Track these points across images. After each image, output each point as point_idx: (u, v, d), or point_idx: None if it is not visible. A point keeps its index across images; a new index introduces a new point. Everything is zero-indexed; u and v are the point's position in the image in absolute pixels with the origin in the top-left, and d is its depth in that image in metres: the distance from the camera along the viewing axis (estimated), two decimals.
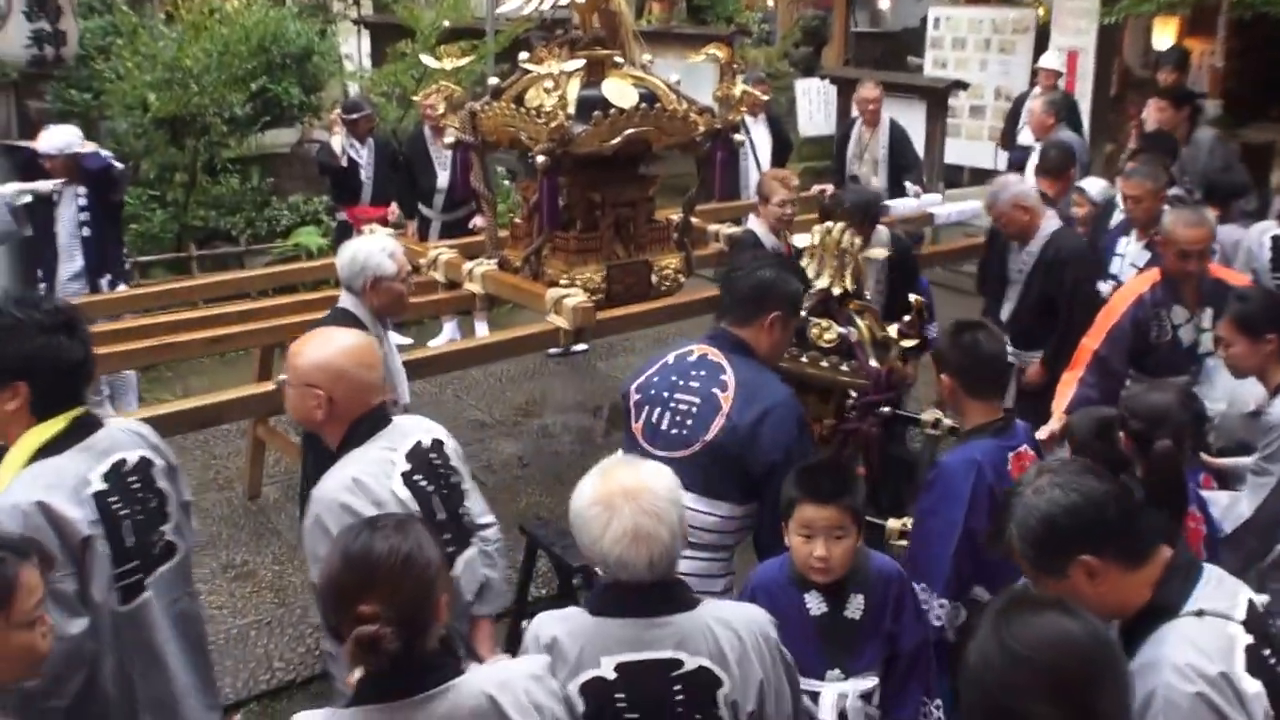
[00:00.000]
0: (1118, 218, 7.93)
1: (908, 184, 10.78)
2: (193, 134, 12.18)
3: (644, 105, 7.09)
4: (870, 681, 3.74)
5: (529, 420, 9.73)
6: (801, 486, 3.69)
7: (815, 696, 3.70)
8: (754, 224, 8.07)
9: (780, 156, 12.20)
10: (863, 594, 3.75)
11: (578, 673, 2.98)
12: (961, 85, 14.35)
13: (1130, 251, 7.37)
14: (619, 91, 7.08)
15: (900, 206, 9.50)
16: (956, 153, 14.34)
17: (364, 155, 10.80)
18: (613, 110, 6.96)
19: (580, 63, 7.16)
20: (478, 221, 9.73)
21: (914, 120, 12.73)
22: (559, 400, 10.21)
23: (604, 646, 2.99)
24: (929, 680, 3.93)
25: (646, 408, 4.50)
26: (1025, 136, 12.14)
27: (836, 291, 5.44)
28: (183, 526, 3.99)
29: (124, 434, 3.87)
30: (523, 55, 7.70)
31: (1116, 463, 3.99)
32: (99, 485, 3.56)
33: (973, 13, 15.81)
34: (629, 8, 7.77)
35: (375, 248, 5.40)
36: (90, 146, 8.30)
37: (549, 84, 6.90)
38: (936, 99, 13.95)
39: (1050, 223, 7.28)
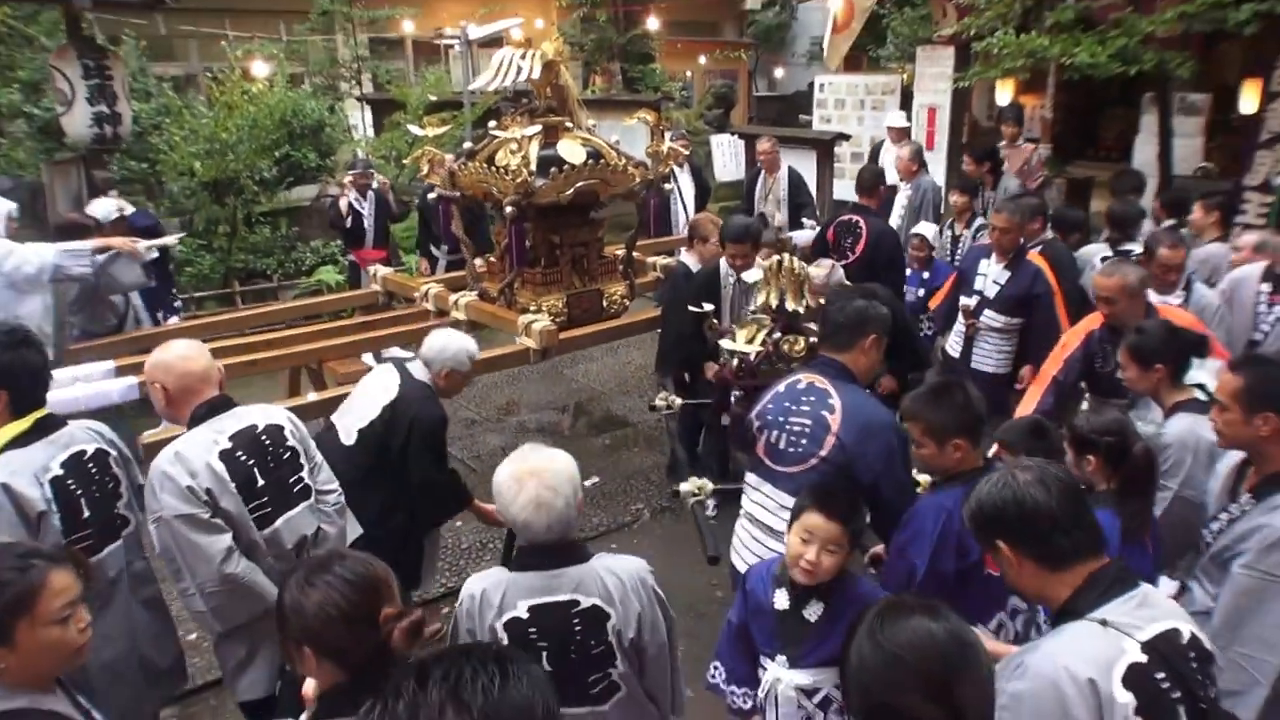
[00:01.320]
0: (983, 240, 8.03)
1: (804, 219, 10.74)
2: (231, 193, 12.10)
3: (591, 161, 7.14)
4: (808, 677, 3.58)
5: (509, 417, 9.65)
6: (815, 498, 3.58)
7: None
8: (686, 257, 7.90)
9: (702, 199, 12.34)
10: (824, 603, 3.59)
11: (501, 614, 3.19)
12: (845, 137, 14.25)
13: (992, 271, 7.33)
14: (571, 151, 7.13)
15: (800, 237, 9.32)
16: (841, 191, 14.19)
17: (366, 207, 10.72)
18: (566, 167, 6.96)
19: (538, 128, 7.21)
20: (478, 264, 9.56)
21: (808, 166, 12.66)
22: (533, 400, 10.14)
23: (519, 593, 3.22)
24: None
25: (766, 431, 4.41)
26: (889, 178, 12.06)
27: (802, 310, 5.30)
28: (134, 503, 4.15)
29: (84, 431, 4.07)
30: (492, 123, 7.66)
31: (1051, 457, 3.95)
32: (57, 471, 3.80)
33: (850, 79, 15.92)
34: (575, 81, 7.64)
35: (461, 348, 5.22)
36: (129, 209, 8.17)
37: (514, 146, 6.91)
38: (825, 149, 13.79)
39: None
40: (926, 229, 8.77)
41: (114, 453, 4.11)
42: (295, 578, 2.54)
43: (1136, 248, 7.47)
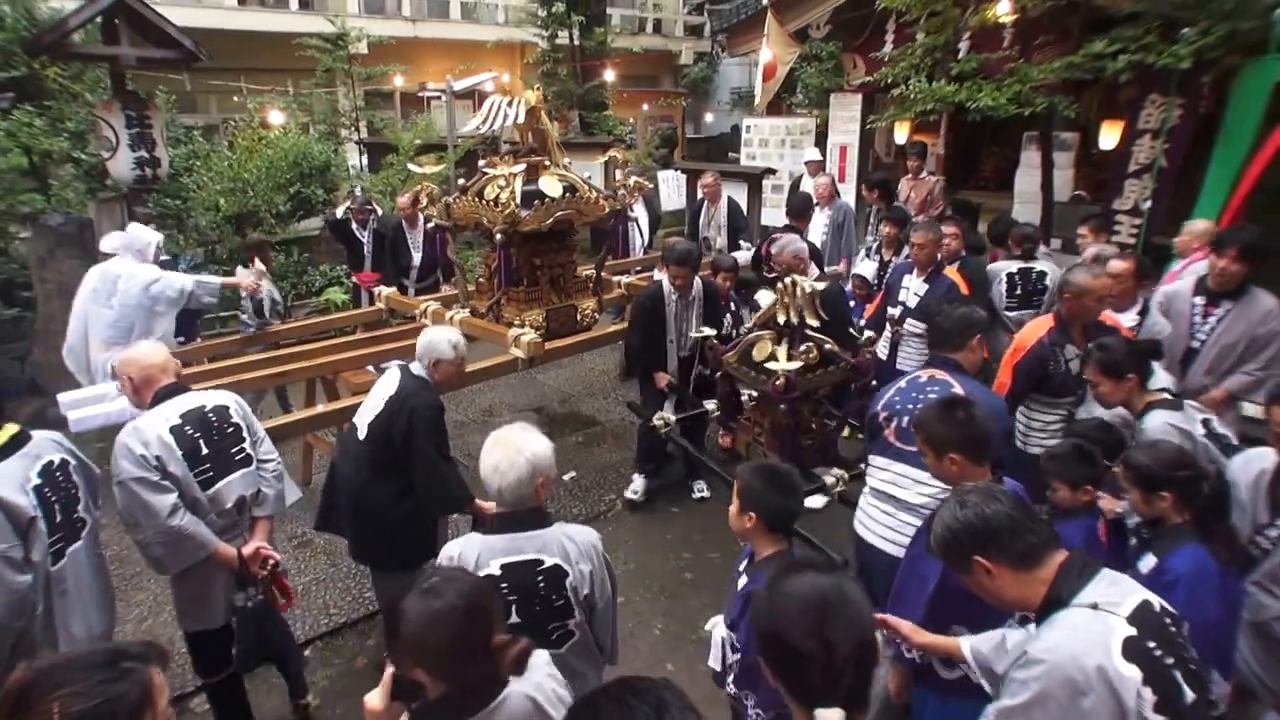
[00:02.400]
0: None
1: (741, 241, 10.64)
2: (251, 226, 11.83)
3: (568, 194, 7.02)
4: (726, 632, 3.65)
5: (493, 418, 9.40)
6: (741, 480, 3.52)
7: None
8: (659, 275, 7.53)
9: (653, 227, 12.21)
10: (747, 577, 3.50)
11: (477, 572, 3.16)
12: (771, 171, 14.27)
13: (913, 284, 7.26)
14: (550, 185, 6.99)
15: (740, 257, 9.14)
16: (768, 218, 14.06)
17: (365, 236, 10.41)
18: (547, 199, 6.83)
19: (523, 166, 6.96)
20: (445, 289, 9.74)
21: (740, 196, 12.50)
22: (512, 403, 9.92)
23: (492, 554, 3.26)
24: (755, 683, 3.53)
25: (895, 419, 4.40)
26: None
27: (814, 324, 5.20)
28: (89, 505, 4.09)
29: (48, 442, 3.98)
30: (481, 162, 7.48)
31: (1098, 482, 3.99)
32: (36, 480, 3.74)
33: (772, 121, 15.64)
34: (552, 126, 7.36)
35: (442, 338, 4.98)
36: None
37: (502, 182, 6.80)
38: (755, 181, 13.84)
39: (815, 268, 7.32)
40: (866, 269, 8.76)
41: (73, 460, 4.05)
42: (412, 602, 2.37)
43: (1039, 265, 7.48)
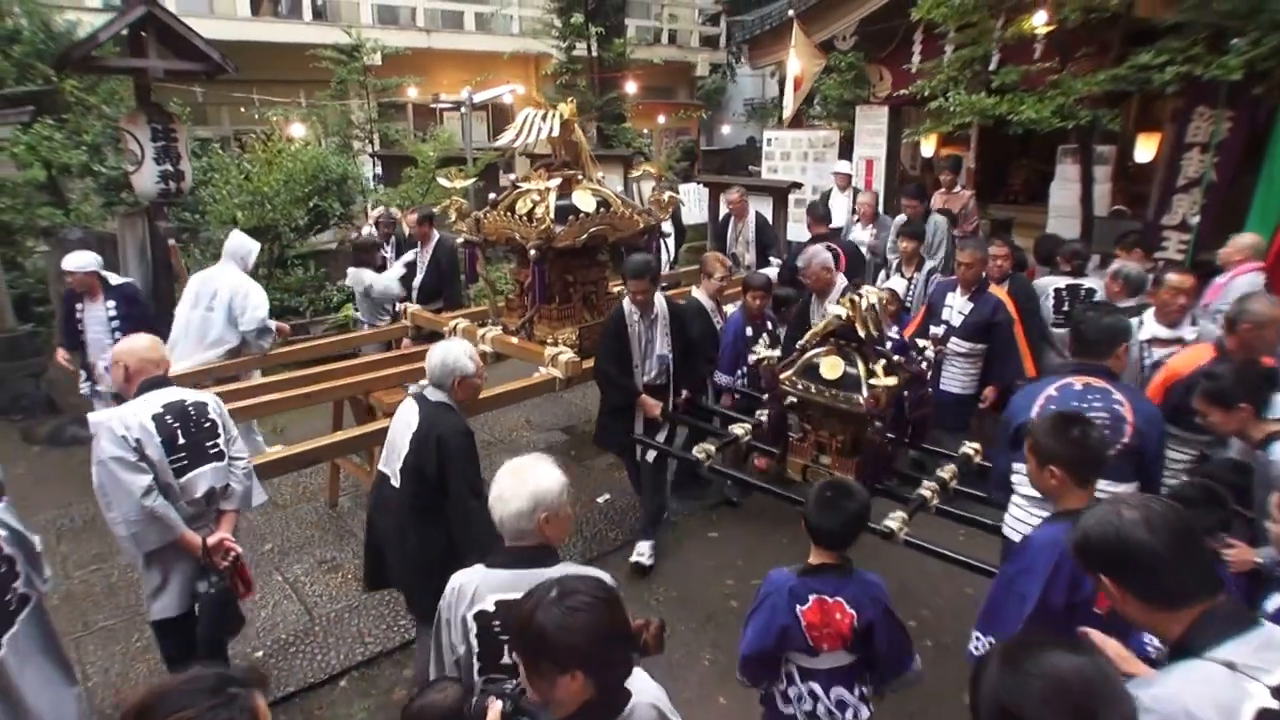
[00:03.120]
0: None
1: (771, 257, 10.48)
2: (269, 239, 11.69)
3: (602, 209, 6.88)
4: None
5: (519, 436, 9.36)
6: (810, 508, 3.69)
7: None
8: (698, 294, 7.55)
9: (679, 240, 12.31)
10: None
11: (473, 605, 3.13)
12: (796, 185, 14.08)
13: (957, 303, 7.17)
14: (584, 200, 6.85)
15: (770, 273, 8.98)
16: (793, 233, 13.93)
17: (390, 252, 10.28)
18: (581, 214, 6.71)
19: (558, 180, 6.85)
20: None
21: (763, 211, 12.21)
22: (539, 422, 9.82)
23: (489, 588, 3.13)
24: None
25: None
26: (834, 220, 11.94)
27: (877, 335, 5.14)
28: (33, 578, 3.85)
29: None
30: (511, 175, 7.36)
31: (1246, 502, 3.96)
32: None
33: (794, 134, 15.55)
34: (585, 138, 7.25)
35: (460, 352, 4.63)
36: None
37: (535, 196, 6.65)
38: (779, 196, 13.59)
39: (841, 279, 7.08)
40: (897, 285, 8.50)
41: (4, 532, 3.71)
42: (549, 610, 2.35)
43: (1088, 281, 7.39)
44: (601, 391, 6.73)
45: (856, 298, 5.00)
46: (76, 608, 6.21)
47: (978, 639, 3.50)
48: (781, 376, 5.30)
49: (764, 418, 5.87)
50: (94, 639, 5.87)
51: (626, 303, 6.46)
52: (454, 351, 4.62)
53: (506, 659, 3.11)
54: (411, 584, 4.76)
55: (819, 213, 9.15)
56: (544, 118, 6.91)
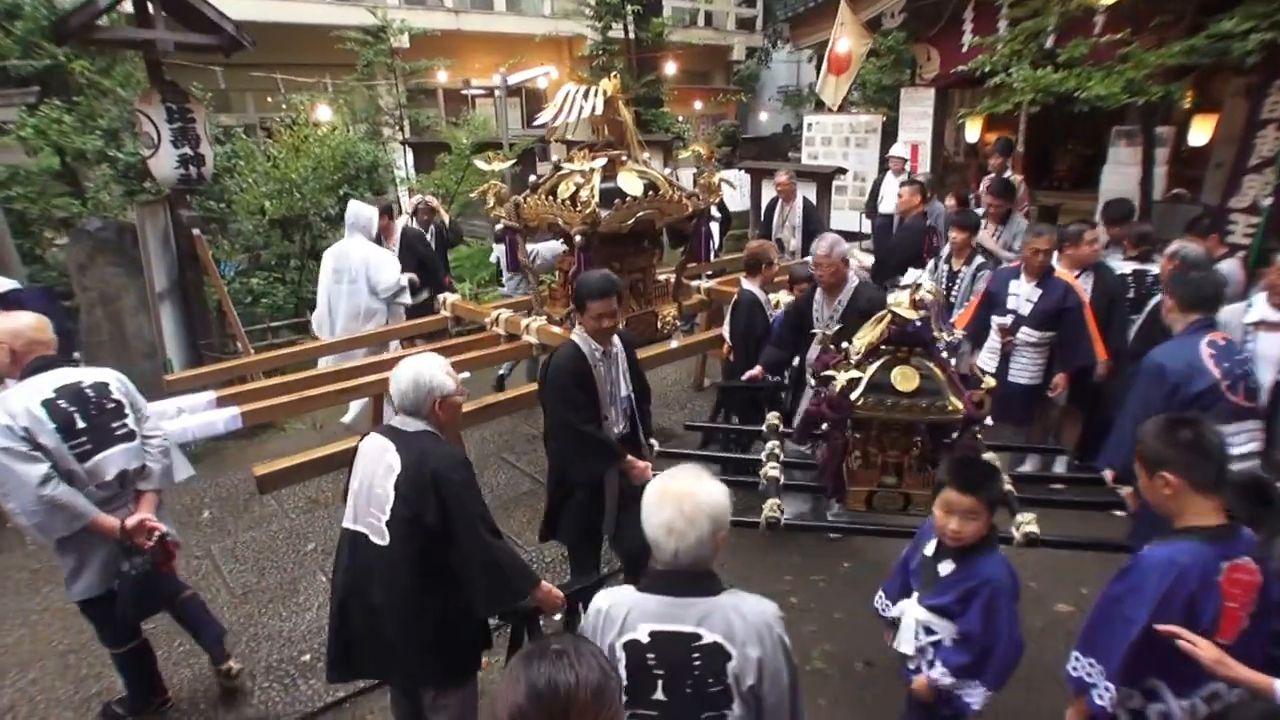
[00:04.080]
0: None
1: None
2: (298, 230, 11.56)
3: (649, 193, 6.65)
4: (925, 615, 3.66)
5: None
6: (951, 474, 3.56)
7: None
8: (748, 285, 7.14)
9: (724, 227, 12.05)
10: (954, 563, 3.58)
11: (622, 634, 2.79)
12: (841, 170, 13.94)
13: (1023, 290, 6.85)
14: (630, 183, 6.64)
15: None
16: (837, 221, 13.77)
17: (430, 240, 10.04)
18: (627, 198, 6.49)
19: (604, 161, 6.62)
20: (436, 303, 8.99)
21: (807, 196, 11.95)
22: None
23: (642, 616, 2.79)
24: (983, 669, 3.51)
25: (1237, 382, 4.65)
26: (885, 206, 11.85)
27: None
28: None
29: None
30: (555, 158, 7.12)
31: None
32: None
33: (836, 119, 15.36)
34: (630, 115, 7.13)
35: (434, 368, 3.81)
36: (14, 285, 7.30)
37: (579, 179, 6.45)
38: (824, 181, 13.49)
39: (854, 276, 6.41)
40: (924, 279, 7.79)
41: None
42: (560, 673, 2.00)
43: (1154, 268, 7.07)
44: (566, 461, 5.17)
45: (924, 294, 4.55)
46: None
47: (1077, 659, 3.27)
48: (854, 402, 4.55)
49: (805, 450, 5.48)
50: None
51: (580, 334, 5.03)
52: (427, 368, 3.84)
53: (659, 694, 2.79)
54: (418, 665, 3.86)
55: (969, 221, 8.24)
56: (586, 94, 6.70)
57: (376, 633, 3.80)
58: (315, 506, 7.44)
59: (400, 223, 9.71)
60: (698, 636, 2.74)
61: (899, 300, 4.49)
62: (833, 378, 4.65)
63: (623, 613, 2.81)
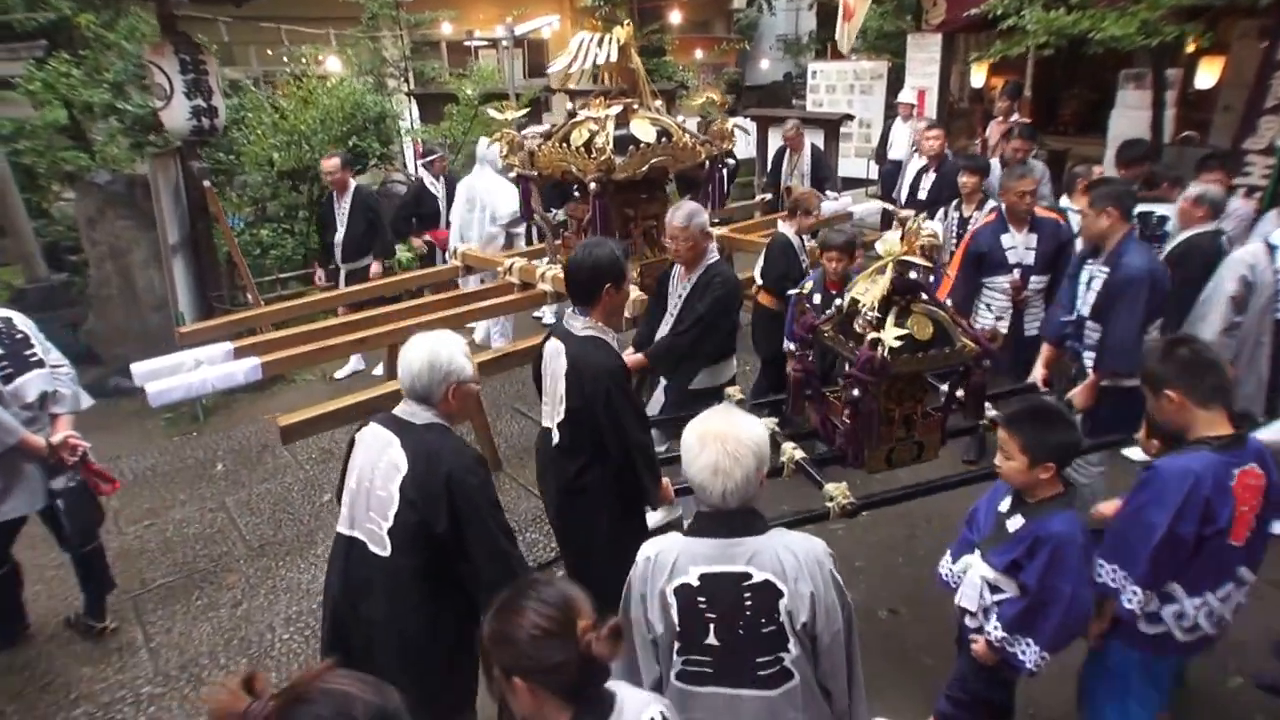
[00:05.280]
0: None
1: (828, 192, 10.07)
2: (306, 181, 11.38)
3: (662, 140, 6.53)
4: (991, 573, 3.51)
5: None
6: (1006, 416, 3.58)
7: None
8: (785, 228, 7.12)
9: (732, 175, 11.55)
10: (1024, 519, 3.43)
11: (672, 579, 2.75)
12: (849, 117, 13.92)
13: (1019, 240, 6.56)
14: (643, 130, 6.52)
15: (827, 206, 8.76)
16: (845, 168, 13.84)
17: (439, 189, 9.93)
18: (641, 144, 6.40)
19: (619, 108, 6.52)
20: (375, 269, 9.11)
21: (815, 143, 11.92)
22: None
23: (691, 559, 2.75)
24: (1035, 627, 3.37)
25: None
26: (894, 153, 11.98)
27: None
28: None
29: None
30: (569, 105, 7.05)
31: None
32: None
33: (840, 66, 15.56)
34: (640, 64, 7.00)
35: (455, 348, 3.35)
36: None
37: (593, 125, 6.36)
38: (832, 128, 13.44)
39: (713, 251, 5.65)
40: (935, 226, 7.41)
41: None
42: (494, 613, 2.21)
43: (1160, 209, 7.00)
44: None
45: (927, 238, 4.33)
46: (132, 565, 6.04)
47: (1101, 565, 3.41)
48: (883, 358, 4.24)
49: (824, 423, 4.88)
50: (152, 597, 5.71)
51: (549, 346, 4.35)
52: (445, 349, 3.34)
53: (712, 639, 2.74)
54: (422, 684, 3.28)
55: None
56: (599, 43, 6.59)
57: (374, 650, 3.38)
58: (329, 457, 7.40)
59: (364, 180, 10.20)
60: (748, 575, 2.70)
61: (890, 246, 4.23)
62: (851, 337, 4.34)
63: (671, 558, 2.76)
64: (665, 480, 4.15)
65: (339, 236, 8.99)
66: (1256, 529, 3.30)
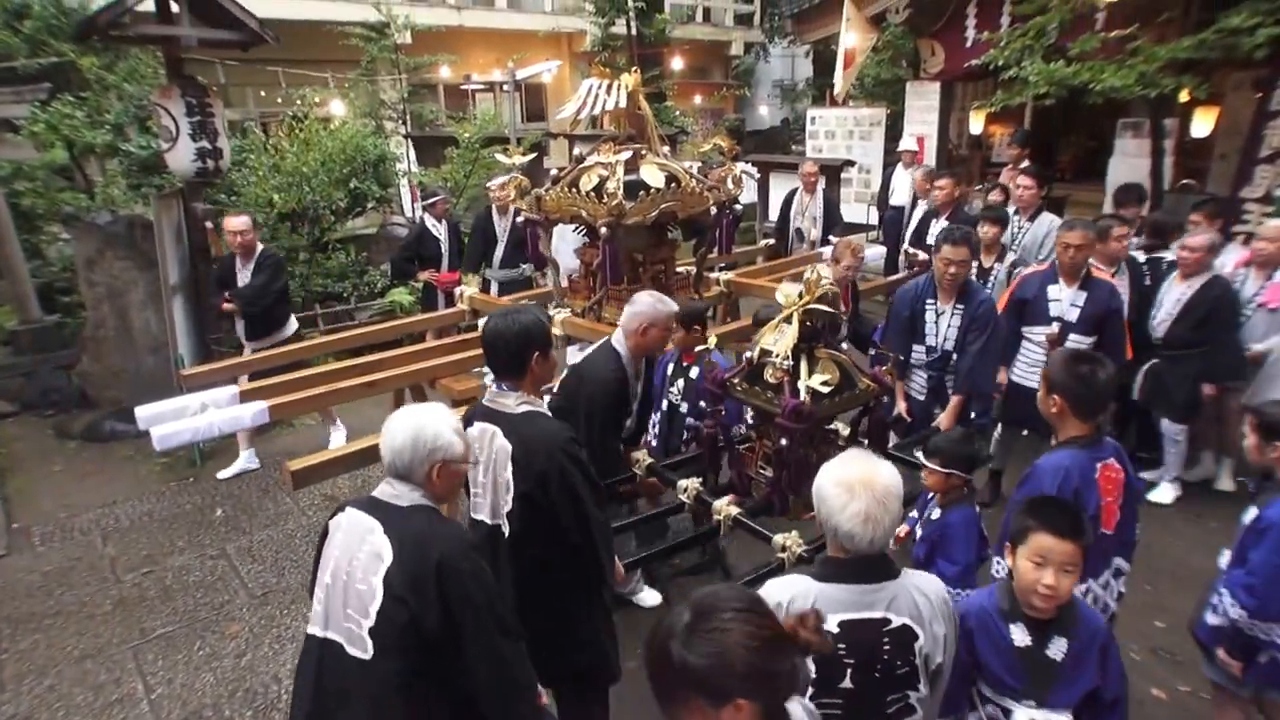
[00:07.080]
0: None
1: (832, 238, 9.84)
2: (306, 223, 11.50)
3: (671, 185, 6.55)
4: (1060, 718, 2.98)
5: None
6: (1041, 518, 2.98)
7: (1008, 714, 3.07)
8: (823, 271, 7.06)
9: (737, 220, 11.47)
10: (1066, 639, 2.98)
11: None
12: (850, 163, 14.03)
13: (1066, 295, 6.44)
14: (653, 175, 6.53)
15: (827, 252, 8.85)
16: (846, 214, 13.70)
17: (442, 232, 9.82)
18: (651, 190, 6.40)
19: (629, 153, 6.52)
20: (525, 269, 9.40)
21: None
22: None
23: (830, 606, 2.56)
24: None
25: None
26: (896, 199, 12.07)
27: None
28: None
29: None
30: (577, 150, 7.02)
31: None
32: None
33: (839, 112, 15.71)
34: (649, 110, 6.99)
35: (443, 423, 2.98)
36: None
37: (603, 170, 6.38)
38: (834, 173, 13.53)
39: None
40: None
41: None
42: (691, 639, 1.87)
43: (1169, 254, 7.18)
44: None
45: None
46: (131, 614, 5.95)
47: (993, 559, 3.87)
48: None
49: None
50: (153, 647, 5.60)
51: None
52: (431, 423, 2.98)
53: (847, 682, 2.67)
54: None
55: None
56: (608, 89, 6.57)
57: None
58: (332, 503, 7.27)
59: (361, 223, 9.90)
60: (887, 621, 2.67)
61: (790, 296, 4.19)
62: (767, 387, 4.26)
63: (807, 605, 2.59)
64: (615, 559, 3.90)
65: (499, 251, 9.54)
66: (1124, 519, 3.75)
